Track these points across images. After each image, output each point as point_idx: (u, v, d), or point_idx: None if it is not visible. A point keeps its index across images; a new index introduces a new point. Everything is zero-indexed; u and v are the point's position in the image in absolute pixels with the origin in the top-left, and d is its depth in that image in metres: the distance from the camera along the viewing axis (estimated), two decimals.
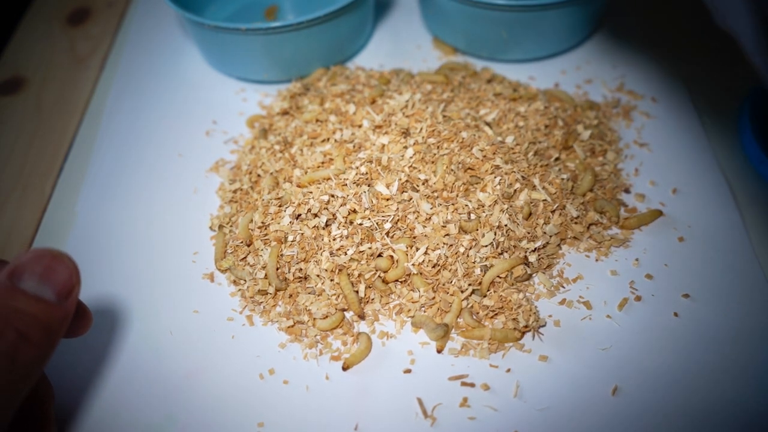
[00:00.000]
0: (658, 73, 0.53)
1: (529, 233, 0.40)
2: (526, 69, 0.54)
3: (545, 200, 0.41)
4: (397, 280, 0.38)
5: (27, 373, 0.26)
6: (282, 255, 0.39)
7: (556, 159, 0.44)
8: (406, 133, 0.43)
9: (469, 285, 0.38)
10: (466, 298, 0.38)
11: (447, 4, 0.51)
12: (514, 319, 0.37)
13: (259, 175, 0.45)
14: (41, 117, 0.54)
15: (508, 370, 0.36)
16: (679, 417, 0.33)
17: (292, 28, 0.48)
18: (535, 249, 0.39)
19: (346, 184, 0.40)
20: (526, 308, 0.37)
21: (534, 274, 0.40)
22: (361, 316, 0.38)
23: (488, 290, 0.38)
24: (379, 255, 0.39)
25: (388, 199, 0.40)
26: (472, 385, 0.35)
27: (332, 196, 0.39)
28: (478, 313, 0.38)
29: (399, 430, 0.34)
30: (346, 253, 0.38)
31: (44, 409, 0.31)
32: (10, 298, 0.26)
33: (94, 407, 0.35)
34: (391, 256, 0.38)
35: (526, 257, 0.39)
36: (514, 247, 0.39)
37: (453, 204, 0.40)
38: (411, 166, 0.41)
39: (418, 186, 0.40)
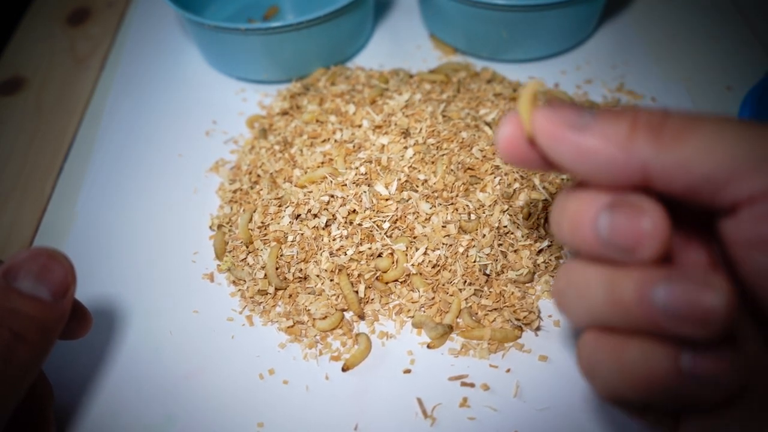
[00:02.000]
0: (658, 73, 0.53)
1: (530, 233, 0.40)
2: (526, 69, 0.54)
3: (545, 200, 0.41)
4: (396, 280, 0.38)
5: (23, 374, 0.26)
6: (282, 255, 0.39)
7: None
8: (405, 133, 0.43)
9: (470, 285, 0.38)
10: (466, 299, 0.38)
11: (447, 4, 0.51)
12: (515, 318, 0.37)
13: (259, 175, 0.45)
14: (41, 117, 0.54)
15: (508, 370, 0.36)
16: None
17: (292, 28, 0.48)
18: (541, 250, 0.39)
19: (345, 185, 0.40)
20: (526, 308, 0.37)
21: (536, 274, 0.39)
22: (361, 317, 0.38)
23: (488, 288, 0.38)
24: (379, 255, 0.39)
25: (387, 200, 0.40)
26: (472, 385, 0.35)
27: (332, 196, 0.39)
28: (477, 313, 0.38)
29: (399, 430, 0.34)
30: (345, 254, 0.38)
31: (43, 409, 0.31)
32: (4, 298, 0.26)
33: (93, 407, 0.35)
34: (392, 254, 0.38)
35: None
36: (514, 249, 0.39)
37: (453, 204, 0.40)
38: (411, 166, 0.41)
39: (417, 186, 0.40)
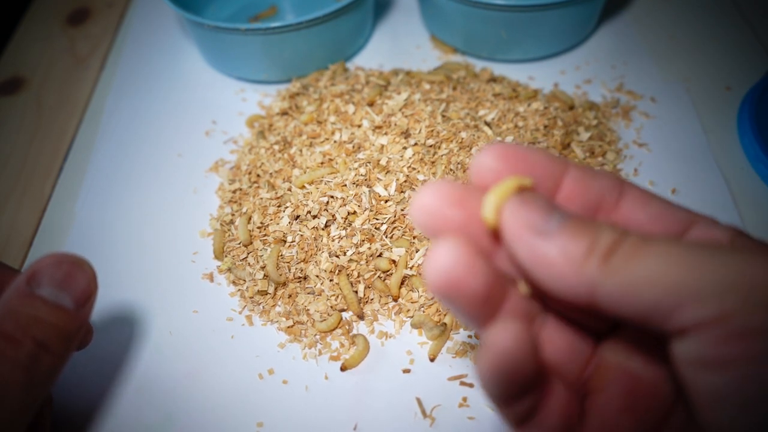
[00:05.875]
0: (658, 73, 0.53)
1: None
2: (525, 69, 0.54)
3: None
4: (398, 297, 0.38)
5: (46, 383, 0.26)
6: (282, 255, 0.39)
7: None
8: (405, 133, 0.43)
9: None
10: None
11: (446, 4, 0.51)
12: None
13: (258, 176, 0.45)
14: (41, 117, 0.54)
15: None
16: None
17: (292, 28, 0.48)
18: None
19: (345, 185, 0.40)
20: None
21: None
22: (361, 317, 0.38)
23: None
24: (379, 255, 0.39)
25: (387, 201, 0.40)
26: (471, 385, 0.35)
27: (331, 197, 0.39)
28: None
29: (398, 430, 0.34)
30: (345, 254, 0.38)
31: (41, 414, 0.30)
32: (28, 305, 0.26)
33: (93, 407, 0.35)
34: (394, 262, 0.38)
35: None
36: None
37: None
38: (410, 166, 0.41)
39: (416, 187, 0.40)
